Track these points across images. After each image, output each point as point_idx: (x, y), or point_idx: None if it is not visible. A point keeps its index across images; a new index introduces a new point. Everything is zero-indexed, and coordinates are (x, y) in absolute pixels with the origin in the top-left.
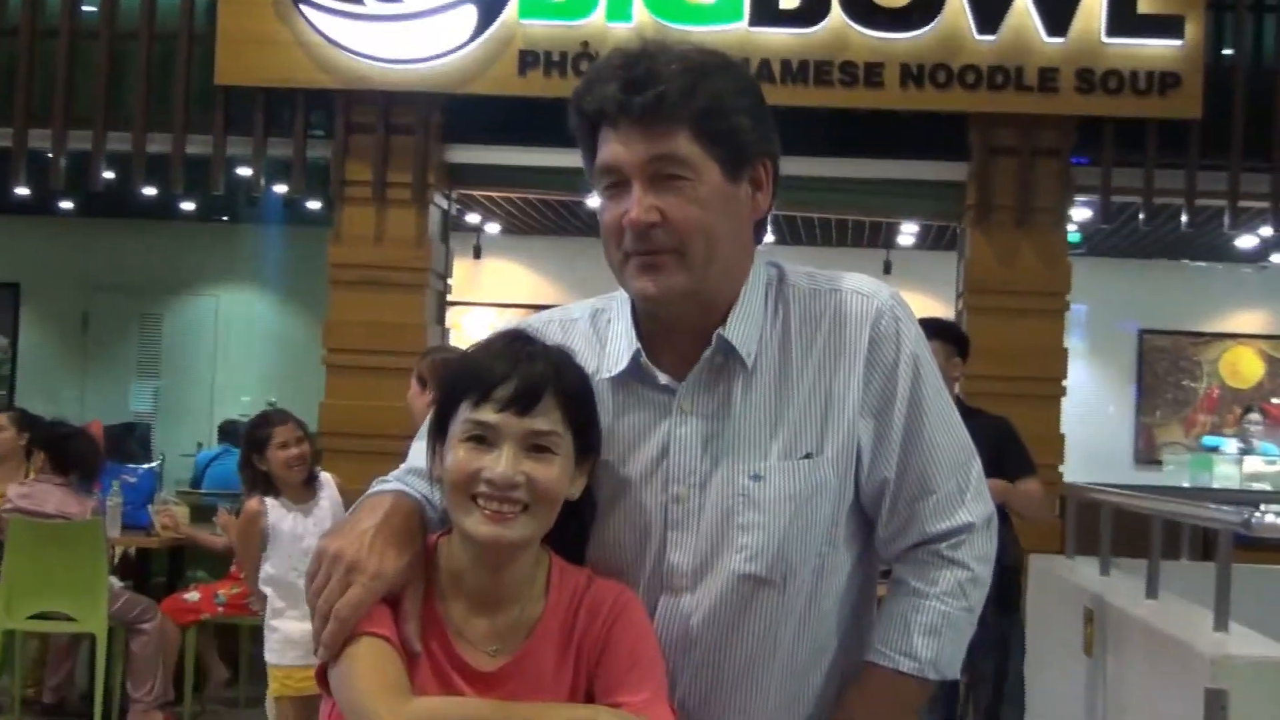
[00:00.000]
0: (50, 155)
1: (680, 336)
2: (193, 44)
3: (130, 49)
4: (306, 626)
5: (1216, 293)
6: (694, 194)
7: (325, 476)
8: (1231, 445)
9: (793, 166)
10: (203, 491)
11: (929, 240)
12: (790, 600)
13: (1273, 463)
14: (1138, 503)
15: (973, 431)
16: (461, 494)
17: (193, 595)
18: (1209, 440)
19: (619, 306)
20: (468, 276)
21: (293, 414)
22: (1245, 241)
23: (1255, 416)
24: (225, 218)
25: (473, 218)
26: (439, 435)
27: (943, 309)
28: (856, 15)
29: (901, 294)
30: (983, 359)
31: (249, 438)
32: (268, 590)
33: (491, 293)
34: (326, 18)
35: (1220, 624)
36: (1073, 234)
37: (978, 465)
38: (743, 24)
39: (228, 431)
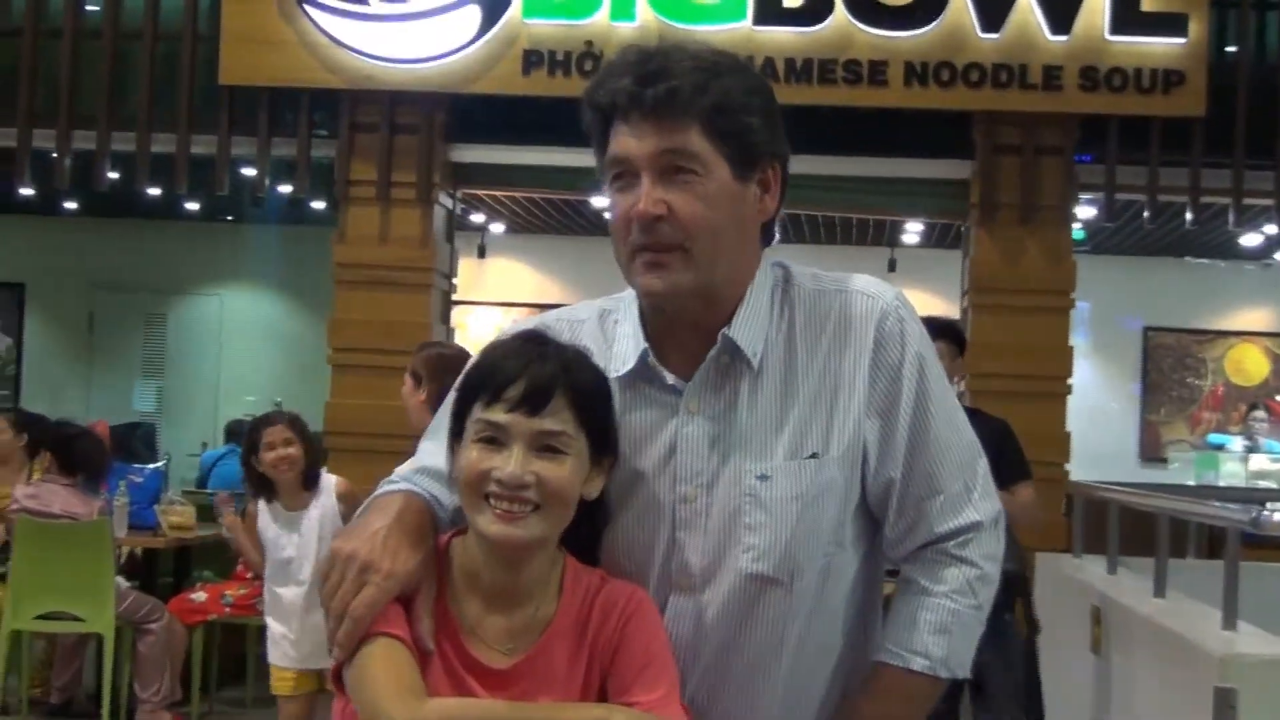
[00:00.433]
0: (55, 155)
1: (687, 336)
2: (197, 43)
3: (134, 48)
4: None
5: (1221, 290)
6: (702, 190)
7: (328, 481)
8: (1237, 443)
9: (797, 165)
10: (209, 491)
11: (933, 238)
12: (797, 600)
13: (1278, 460)
14: (1145, 501)
15: (983, 424)
16: (473, 493)
17: (199, 595)
18: (1214, 438)
19: (626, 307)
20: (472, 276)
21: (294, 415)
22: (1250, 239)
23: (1260, 414)
24: (230, 217)
25: (477, 217)
26: (457, 436)
27: (948, 307)
28: (860, 14)
29: (906, 293)
30: (988, 357)
31: (248, 439)
32: (266, 586)
33: (496, 292)
34: (330, 17)
35: (1229, 622)
36: (1077, 232)
37: (984, 463)
38: (746, 23)
39: (234, 431)
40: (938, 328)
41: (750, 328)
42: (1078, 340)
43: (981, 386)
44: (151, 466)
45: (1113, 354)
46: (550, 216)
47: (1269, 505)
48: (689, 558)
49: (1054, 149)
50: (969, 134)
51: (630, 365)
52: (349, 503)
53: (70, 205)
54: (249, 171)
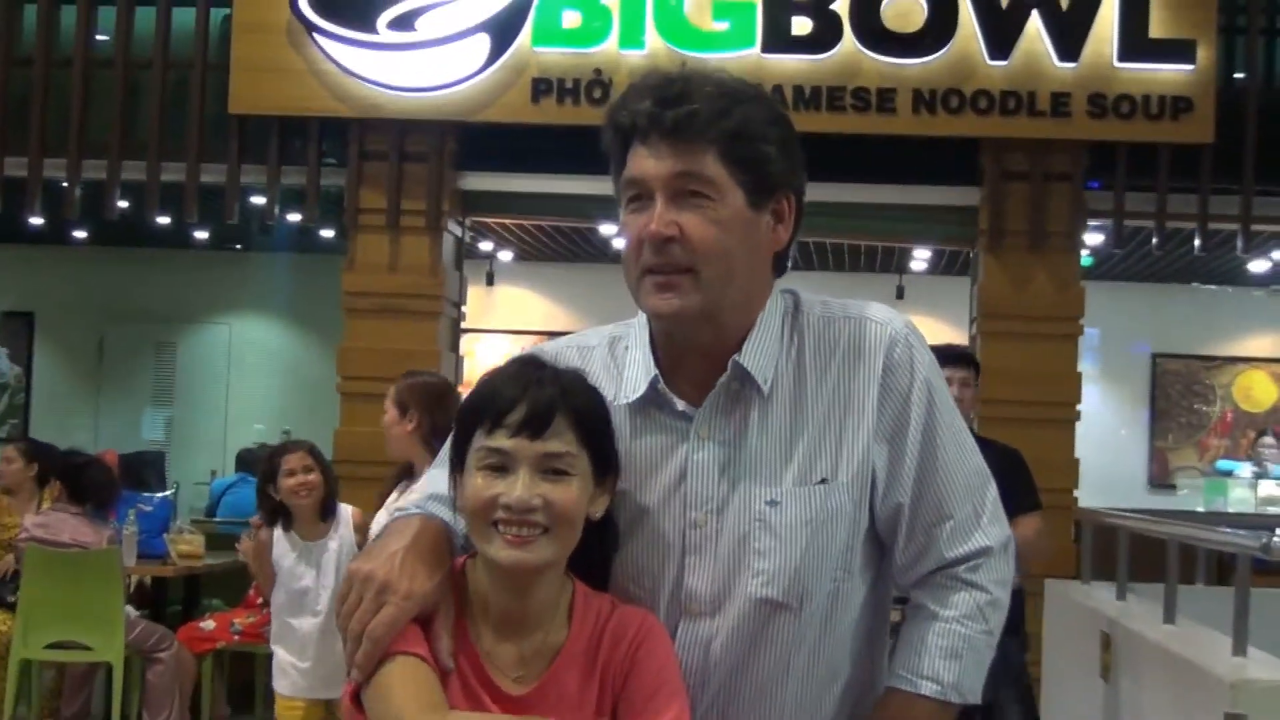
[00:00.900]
0: (65, 184)
1: (697, 363)
2: (206, 73)
3: (144, 78)
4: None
5: (1229, 316)
6: (715, 215)
7: (345, 512)
8: (1246, 469)
9: (806, 192)
10: (218, 520)
11: (942, 265)
12: (806, 625)
13: None
14: (1154, 527)
15: (996, 451)
16: (481, 521)
17: (209, 624)
18: (1223, 464)
19: (636, 333)
20: (481, 304)
21: (312, 444)
22: (1258, 265)
23: (1269, 440)
24: (239, 246)
25: (486, 245)
26: (458, 465)
27: (956, 334)
28: (868, 41)
29: (914, 320)
30: (997, 384)
31: (265, 466)
32: (272, 611)
33: (505, 320)
34: (340, 47)
35: (1239, 648)
36: (1085, 258)
37: (993, 489)
38: (755, 50)
39: (245, 460)
40: (956, 355)
41: (761, 355)
42: (1086, 367)
43: (990, 413)
44: (160, 495)
45: (1121, 381)
46: (559, 244)
47: (1278, 531)
48: (698, 583)
49: (1062, 175)
50: (977, 161)
51: (641, 392)
52: (364, 532)
53: (80, 234)
54: (259, 200)
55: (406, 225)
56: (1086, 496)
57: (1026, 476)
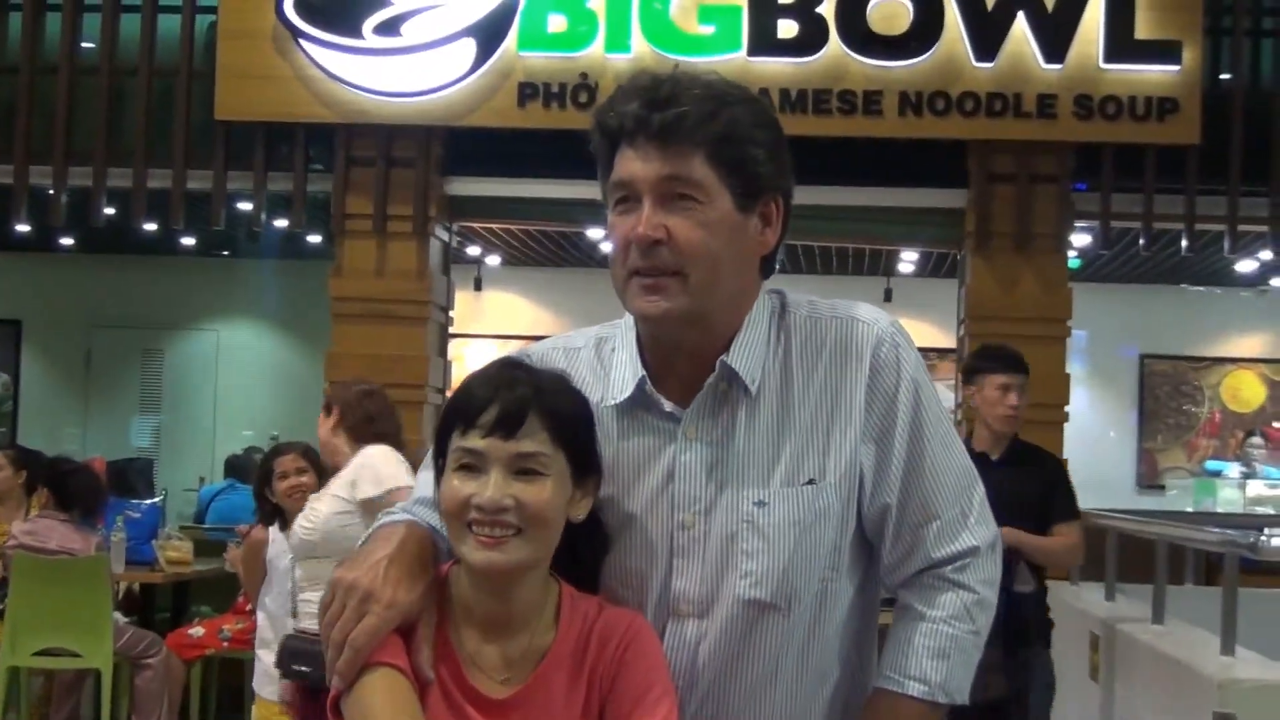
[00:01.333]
0: (51, 192)
1: (684, 364)
2: (192, 79)
3: (130, 85)
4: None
5: (1217, 317)
6: (702, 217)
7: None
8: (1234, 469)
9: (794, 195)
10: (206, 526)
11: (929, 268)
12: (794, 626)
13: (1275, 486)
14: (1143, 528)
15: (1027, 470)
16: (456, 522)
17: (197, 630)
18: (1211, 465)
19: (623, 334)
20: (469, 309)
21: (307, 445)
22: (1245, 266)
23: (1258, 440)
24: (226, 252)
25: (473, 250)
26: (440, 468)
27: (944, 337)
28: (854, 44)
29: (902, 322)
30: None
31: (260, 469)
32: (260, 616)
33: (493, 325)
34: (326, 52)
35: (1227, 648)
36: (1073, 260)
37: (980, 489)
38: (741, 54)
39: (233, 466)
40: (1013, 360)
41: (749, 355)
42: (1074, 369)
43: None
44: (149, 502)
45: (1109, 382)
46: (546, 249)
47: (1267, 531)
48: (686, 584)
49: (1049, 177)
50: (964, 163)
51: (628, 393)
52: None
53: (66, 241)
54: (245, 206)
55: (393, 230)
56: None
57: (1066, 486)
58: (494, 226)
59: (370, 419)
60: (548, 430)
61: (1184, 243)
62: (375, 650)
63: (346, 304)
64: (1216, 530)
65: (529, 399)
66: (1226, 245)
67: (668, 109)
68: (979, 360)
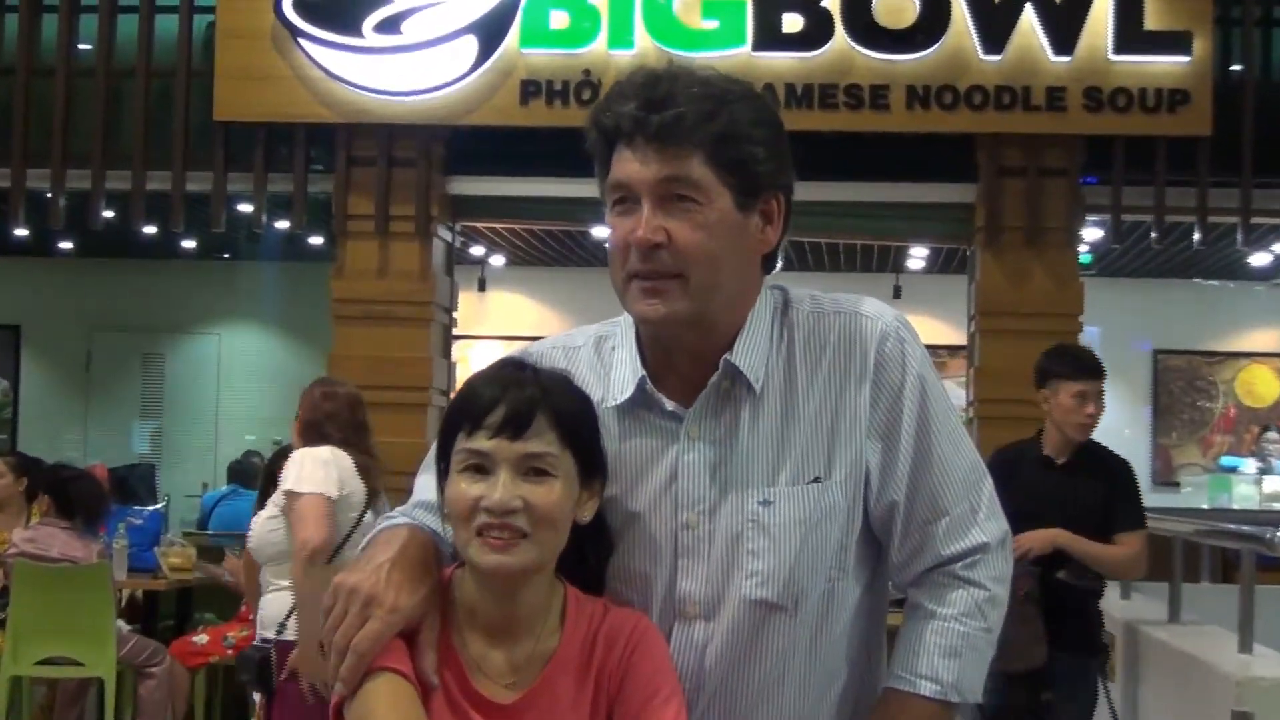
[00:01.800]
0: (49, 195)
1: (685, 362)
2: (191, 80)
3: (128, 86)
4: None
5: (1231, 311)
6: (702, 219)
7: None
8: (1250, 465)
9: (800, 192)
10: (210, 533)
11: (939, 264)
12: (801, 626)
13: None
14: (1158, 525)
15: (1091, 475)
16: (464, 526)
17: (201, 638)
18: (1226, 460)
19: (623, 332)
20: (473, 309)
21: None
22: (1259, 258)
23: (1273, 435)
24: (226, 255)
25: (477, 250)
26: (444, 470)
27: (955, 333)
28: (860, 38)
29: (912, 319)
30: (995, 382)
31: (266, 471)
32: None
33: (498, 325)
34: (326, 51)
35: (1244, 646)
36: (1084, 255)
37: (989, 484)
38: (746, 49)
39: (237, 471)
40: (1091, 367)
41: (752, 353)
42: None
43: (989, 412)
44: (151, 508)
45: (1123, 377)
46: (550, 248)
47: None
48: (692, 585)
49: (1059, 171)
50: (973, 157)
51: (629, 393)
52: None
53: (65, 245)
54: (246, 208)
55: (395, 231)
56: None
57: (1129, 491)
58: (497, 226)
59: (326, 418)
60: (555, 430)
61: (1196, 236)
62: (378, 655)
63: (348, 306)
64: (1233, 527)
65: (537, 399)
66: (1239, 238)
67: (665, 109)
68: (1054, 363)
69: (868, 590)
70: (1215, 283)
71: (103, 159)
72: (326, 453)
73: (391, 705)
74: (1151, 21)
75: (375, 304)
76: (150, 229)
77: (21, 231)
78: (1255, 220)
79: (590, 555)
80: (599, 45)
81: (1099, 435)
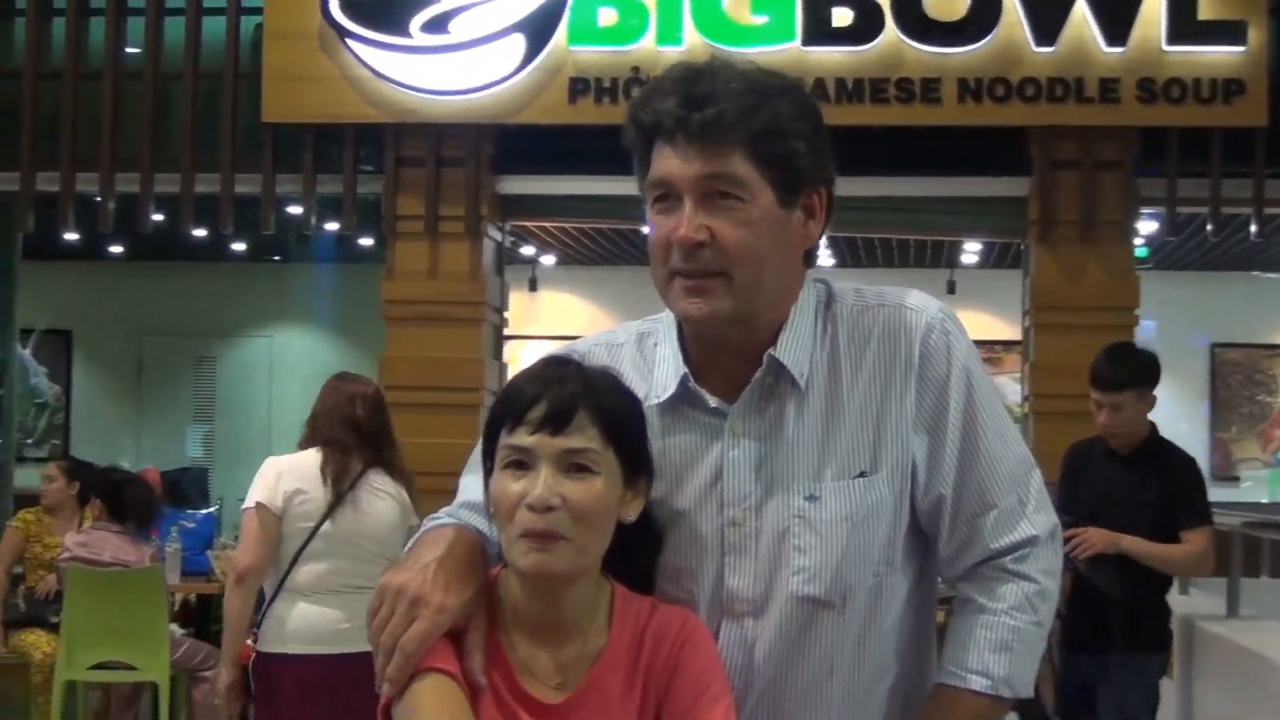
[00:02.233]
0: (98, 199)
1: (728, 358)
2: (239, 82)
3: (175, 89)
4: None
5: None
6: (745, 216)
7: None
8: None
9: (851, 187)
10: None
11: (993, 258)
12: (849, 622)
13: None
14: (1217, 520)
15: (1152, 470)
16: (507, 523)
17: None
18: None
19: (665, 329)
20: (525, 309)
21: None
22: None
23: None
24: (277, 257)
25: (528, 250)
26: (489, 469)
27: (1009, 328)
28: (911, 31)
29: (966, 314)
30: (1051, 377)
31: None
32: None
33: (550, 325)
34: (373, 51)
35: None
36: (1140, 248)
37: (1037, 476)
38: (796, 44)
39: None
40: (1101, 376)
41: (796, 348)
42: None
43: (1046, 408)
44: (204, 511)
45: (1180, 372)
46: (601, 247)
47: None
48: (739, 582)
49: (1113, 163)
50: (1025, 150)
51: (671, 390)
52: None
53: (115, 250)
54: (295, 210)
55: (445, 231)
56: None
57: (1191, 488)
58: (548, 225)
59: (316, 415)
60: (597, 426)
61: (1253, 227)
62: (425, 656)
63: (399, 307)
64: None
65: (578, 394)
66: None
67: (706, 106)
68: (1092, 365)
69: (916, 585)
70: (1274, 275)
71: (151, 162)
72: (286, 461)
73: (439, 706)
74: (1205, 11)
75: (426, 305)
76: (200, 232)
77: (71, 236)
78: None
79: (638, 554)
80: (647, 42)
81: (1159, 425)
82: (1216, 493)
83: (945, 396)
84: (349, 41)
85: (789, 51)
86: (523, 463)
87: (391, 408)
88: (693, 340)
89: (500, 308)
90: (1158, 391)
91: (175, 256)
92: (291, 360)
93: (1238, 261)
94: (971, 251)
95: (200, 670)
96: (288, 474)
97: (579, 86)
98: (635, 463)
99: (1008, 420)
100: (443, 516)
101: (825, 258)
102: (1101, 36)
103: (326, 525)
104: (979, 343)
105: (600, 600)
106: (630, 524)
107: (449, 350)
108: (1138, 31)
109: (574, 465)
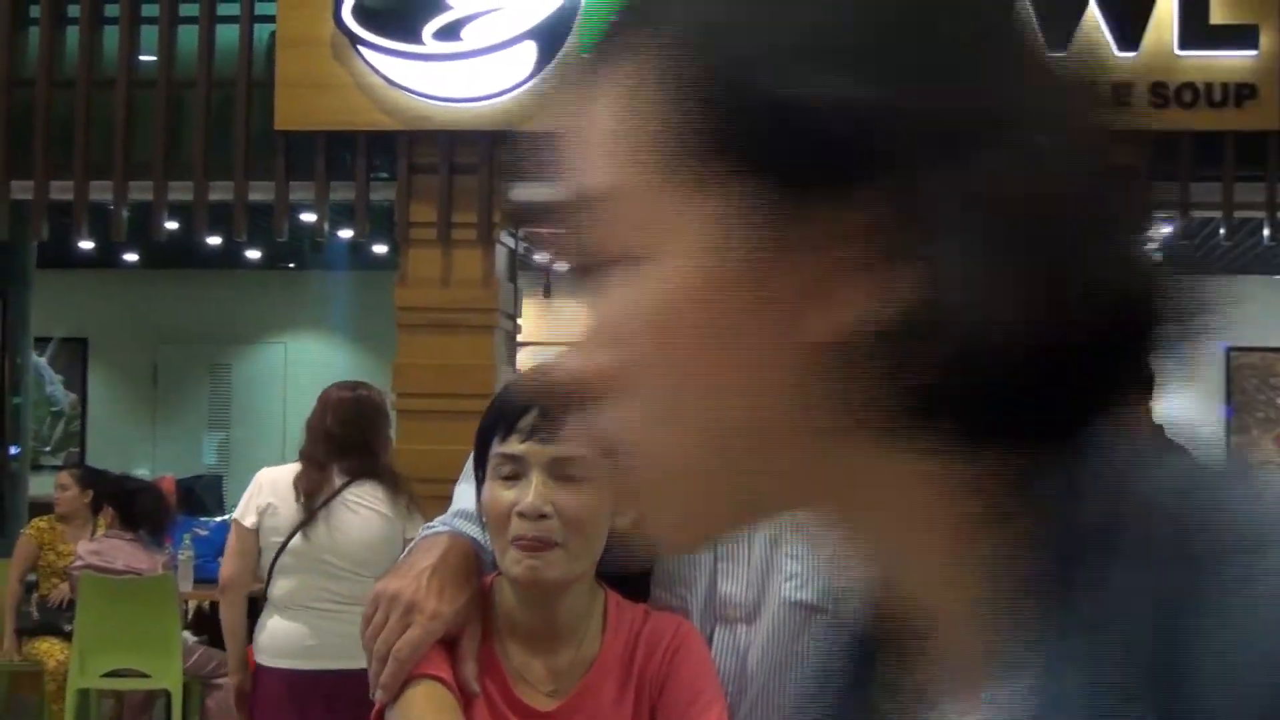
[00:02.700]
0: (112, 207)
1: None
2: (251, 90)
3: (188, 97)
4: None
5: None
6: None
7: None
8: None
9: None
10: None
11: None
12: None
13: None
14: None
15: None
16: (499, 533)
17: None
18: None
19: None
20: (540, 316)
21: None
22: None
23: None
24: (292, 265)
25: (542, 257)
26: (481, 479)
27: None
28: None
29: None
30: None
31: None
32: None
33: (565, 332)
34: (386, 59)
35: None
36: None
37: None
38: None
39: None
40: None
41: None
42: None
43: None
44: (218, 519)
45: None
46: None
47: None
48: (732, 588)
49: (1125, 167)
50: None
51: None
52: None
53: (130, 258)
54: (308, 217)
55: (458, 238)
56: None
57: None
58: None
59: (305, 429)
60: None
61: (1266, 231)
62: (419, 663)
63: (411, 314)
64: None
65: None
66: None
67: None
68: None
69: None
70: None
71: (165, 169)
72: (271, 474)
73: (432, 713)
74: (1217, 15)
75: (438, 312)
76: (214, 239)
77: (86, 244)
78: None
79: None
80: None
81: (1174, 431)
82: None
83: None
84: (361, 49)
85: None
86: (515, 471)
87: (404, 414)
88: None
89: (513, 314)
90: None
91: (190, 264)
92: (306, 367)
93: (1253, 265)
94: None
95: (213, 678)
96: (267, 487)
97: None
98: None
99: None
100: (437, 525)
101: None
102: (1114, 41)
103: (296, 541)
104: None
105: (594, 607)
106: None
107: (462, 357)
108: (1150, 36)
109: (565, 474)
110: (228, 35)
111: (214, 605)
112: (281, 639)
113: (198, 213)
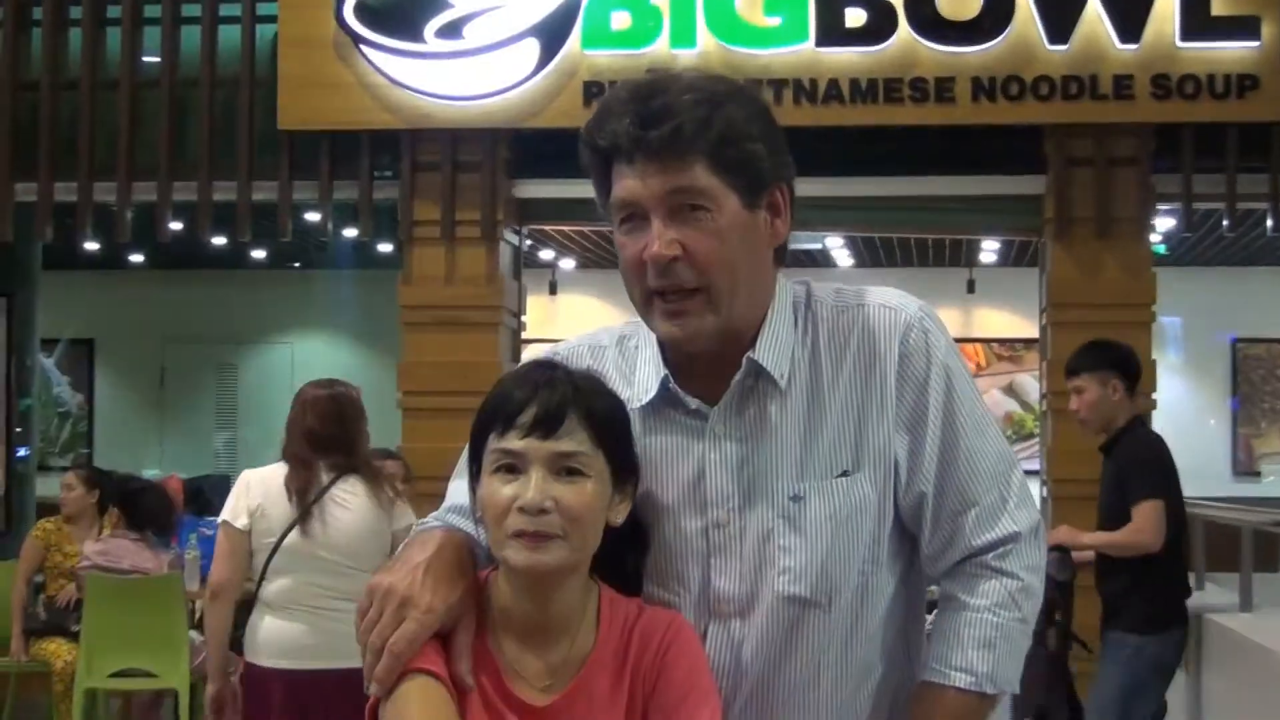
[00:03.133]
0: (116, 208)
1: (709, 361)
2: (254, 89)
3: (192, 97)
4: None
5: None
6: (713, 225)
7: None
8: None
9: (867, 187)
10: None
11: (1012, 257)
12: (836, 621)
13: None
14: (1229, 515)
15: (1110, 460)
16: (498, 526)
17: None
18: None
19: (645, 332)
20: (545, 313)
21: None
22: None
23: None
24: (296, 264)
25: (546, 254)
26: (476, 472)
27: (1029, 326)
28: (925, 30)
29: (986, 313)
30: None
31: None
32: None
33: (570, 329)
34: (388, 58)
35: None
36: (1157, 245)
37: (1019, 473)
38: (809, 44)
39: None
40: (1067, 363)
41: (774, 350)
42: (1167, 355)
43: (1063, 404)
44: None
45: (1202, 368)
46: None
47: None
48: (725, 583)
49: (1128, 160)
50: (1041, 148)
51: (653, 392)
52: None
53: (136, 258)
54: (312, 216)
55: (462, 236)
56: None
57: (1138, 464)
58: (565, 229)
59: (285, 427)
60: (587, 430)
61: (1269, 222)
62: (414, 657)
63: (416, 312)
64: None
65: (568, 398)
66: None
67: (662, 124)
68: None
69: (903, 582)
70: None
71: (169, 170)
72: (257, 475)
73: (426, 708)
74: (1219, 7)
75: (443, 310)
76: (219, 239)
77: (91, 245)
78: None
79: (626, 557)
80: (661, 45)
81: (1178, 425)
82: (1238, 488)
83: (925, 395)
84: (364, 48)
85: (802, 53)
86: (513, 466)
87: (410, 412)
88: (672, 346)
89: (518, 312)
90: (1184, 388)
91: (196, 265)
92: (312, 366)
93: (1257, 256)
94: (990, 250)
95: None
96: (255, 488)
97: (594, 90)
98: (623, 465)
99: (989, 417)
100: (431, 521)
101: (843, 258)
102: (1115, 34)
103: (290, 540)
104: (999, 341)
105: (588, 602)
106: (619, 527)
107: (467, 355)
108: (1151, 28)
109: (565, 468)
110: (230, 35)
111: None
112: (281, 639)
113: (202, 213)
